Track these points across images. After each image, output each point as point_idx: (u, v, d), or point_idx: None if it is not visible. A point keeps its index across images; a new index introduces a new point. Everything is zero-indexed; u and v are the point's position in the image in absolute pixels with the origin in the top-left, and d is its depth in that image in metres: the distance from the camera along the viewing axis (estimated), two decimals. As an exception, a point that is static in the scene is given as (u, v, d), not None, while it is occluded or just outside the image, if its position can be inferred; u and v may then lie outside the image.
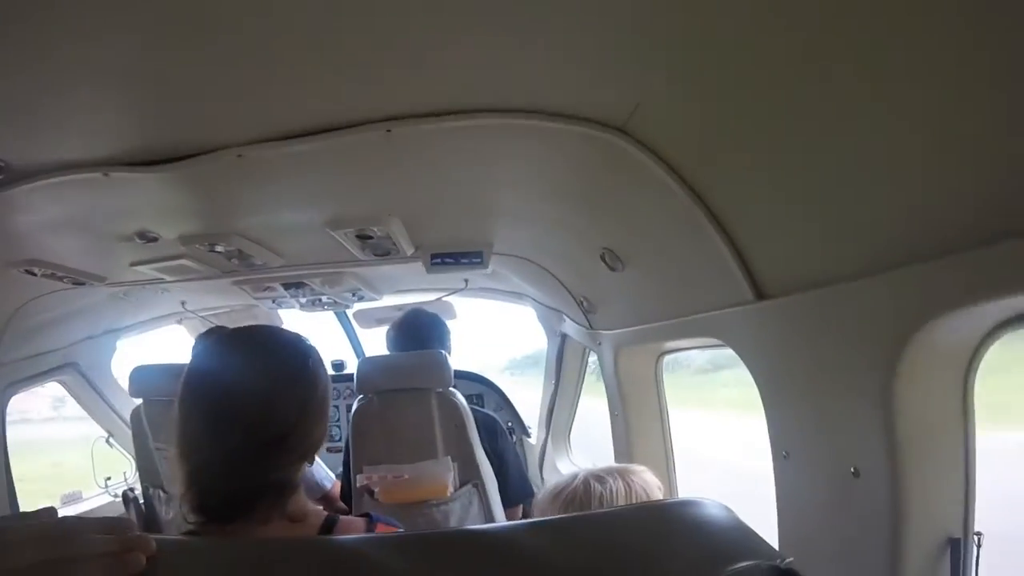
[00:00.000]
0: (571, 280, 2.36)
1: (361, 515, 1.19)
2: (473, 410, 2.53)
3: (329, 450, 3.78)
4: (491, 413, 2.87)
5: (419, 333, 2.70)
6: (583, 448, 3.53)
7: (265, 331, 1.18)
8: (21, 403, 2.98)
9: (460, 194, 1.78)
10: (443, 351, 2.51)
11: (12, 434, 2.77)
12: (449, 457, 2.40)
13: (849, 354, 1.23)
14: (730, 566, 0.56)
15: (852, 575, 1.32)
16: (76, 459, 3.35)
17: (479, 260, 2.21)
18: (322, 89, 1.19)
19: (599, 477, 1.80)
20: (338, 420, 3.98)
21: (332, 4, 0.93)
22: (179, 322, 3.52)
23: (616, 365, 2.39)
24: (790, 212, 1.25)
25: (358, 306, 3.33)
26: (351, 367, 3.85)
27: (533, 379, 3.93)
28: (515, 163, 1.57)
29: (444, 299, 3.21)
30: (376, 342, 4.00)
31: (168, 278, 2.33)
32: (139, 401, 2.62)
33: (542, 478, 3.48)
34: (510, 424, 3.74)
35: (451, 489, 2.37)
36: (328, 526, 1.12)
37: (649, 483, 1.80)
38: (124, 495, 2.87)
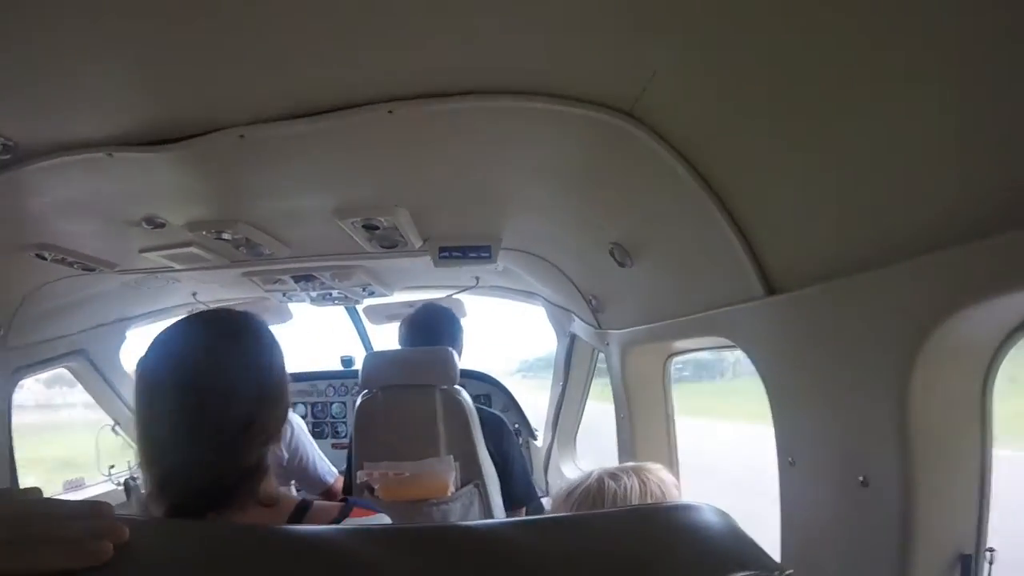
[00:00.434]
0: (580, 277, 2.34)
1: (340, 500, 1.17)
2: (479, 409, 2.51)
3: (335, 446, 3.78)
4: (497, 413, 2.85)
5: (431, 328, 2.69)
6: (591, 453, 3.51)
7: (213, 316, 1.16)
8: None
9: (466, 182, 1.76)
10: (450, 348, 2.49)
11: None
12: (451, 456, 2.37)
13: (863, 352, 1.19)
14: (726, 575, 0.53)
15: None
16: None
17: (487, 255, 2.20)
18: (323, 67, 1.18)
19: (614, 475, 1.78)
20: (345, 416, 3.99)
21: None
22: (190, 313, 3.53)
23: (623, 366, 2.36)
24: (804, 201, 1.21)
25: (368, 301, 3.33)
26: (360, 363, 3.87)
27: (544, 381, 3.92)
28: (521, 149, 1.55)
29: (455, 297, 3.20)
30: (386, 339, 4.02)
31: (178, 266, 2.34)
32: None
33: (546, 481, 3.46)
34: (516, 426, 3.72)
35: (452, 488, 2.34)
36: (301, 510, 1.10)
37: (665, 481, 1.77)
38: (126, 483, 2.88)
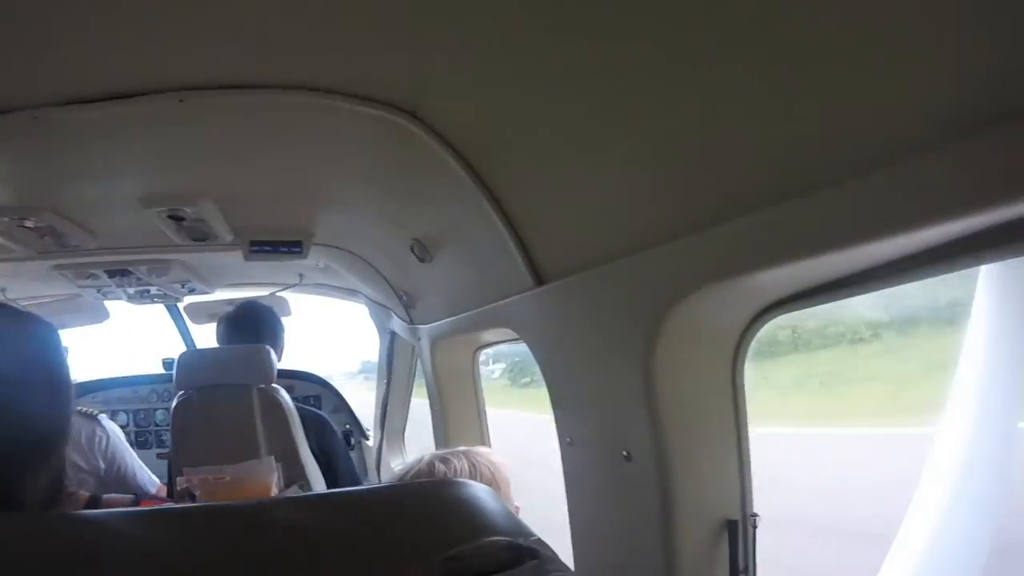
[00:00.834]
0: (392, 273, 2.41)
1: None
2: (301, 409, 2.53)
3: (159, 456, 3.63)
4: (319, 412, 2.88)
5: (250, 326, 2.68)
6: (419, 451, 3.57)
7: None
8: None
9: (272, 176, 1.79)
10: (267, 346, 2.50)
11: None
12: (272, 457, 2.37)
13: (616, 335, 1.27)
14: (481, 538, 0.56)
15: (631, 558, 1.37)
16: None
17: (299, 250, 2.23)
18: (111, 52, 1.18)
19: (443, 458, 1.86)
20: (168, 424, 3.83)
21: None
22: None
23: (434, 360, 2.45)
24: (566, 198, 1.31)
25: (189, 299, 3.25)
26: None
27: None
28: (321, 146, 1.59)
29: (279, 295, 3.20)
30: (212, 340, 3.90)
31: None
32: None
33: (379, 480, 3.47)
34: (348, 427, 3.74)
35: (275, 490, 2.34)
36: (91, 505, 1.08)
37: (496, 463, 1.87)
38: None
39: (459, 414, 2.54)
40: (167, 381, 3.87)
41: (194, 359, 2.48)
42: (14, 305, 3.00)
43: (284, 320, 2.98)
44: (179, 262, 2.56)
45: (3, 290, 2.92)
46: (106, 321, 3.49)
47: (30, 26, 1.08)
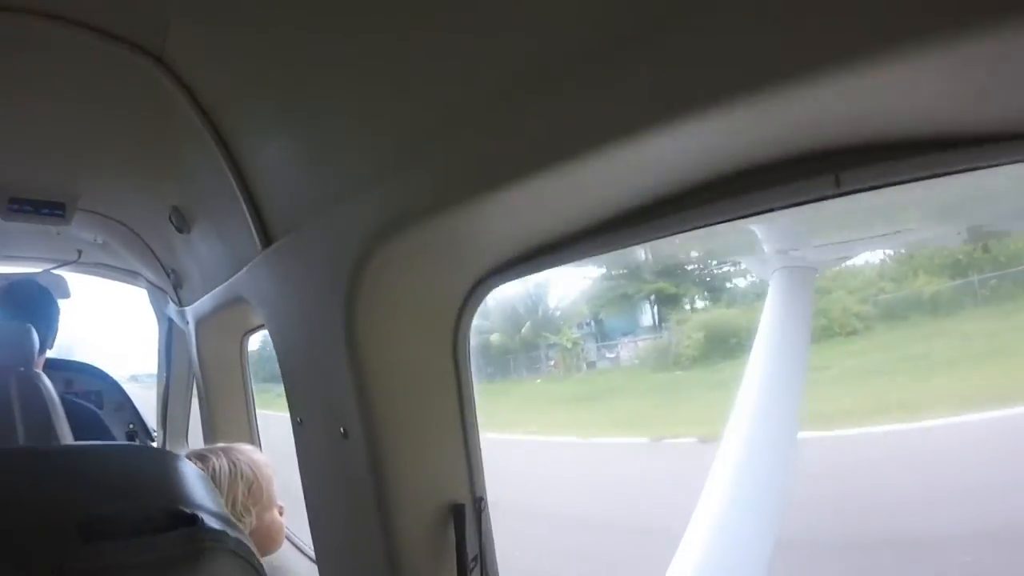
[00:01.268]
0: (160, 248, 2.31)
1: None
2: (69, 401, 2.35)
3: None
4: (93, 408, 2.69)
5: (18, 306, 2.47)
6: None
7: None
8: None
9: (25, 123, 1.69)
10: (29, 324, 2.33)
11: None
12: None
13: (323, 299, 1.24)
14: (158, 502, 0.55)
15: (357, 542, 1.34)
16: None
17: (61, 213, 2.09)
18: None
19: (201, 455, 1.78)
20: None
21: None
22: None
23: (199, 343, 2.36)
24: (291, 152, 1.30)
25: (-49, 272, 2.98)
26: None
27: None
28: (71, 92, 1.52)
29: (56, 272, 2.99)
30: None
31: None
32: None
33: None
34: (132, 426, 3.51)
35: None
36: None
37: (257, 461, 1.81)
38: None
39: (226, 407, 2.45)
40: None
41: None
42: None
43: (67, 304, 2.77)
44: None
45: None
46: None
47: None
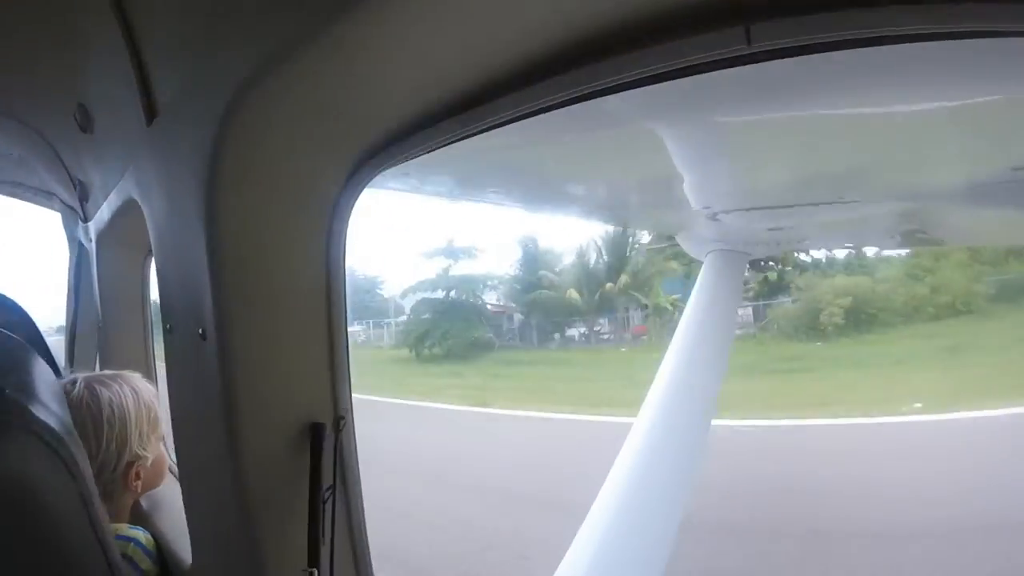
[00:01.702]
0: (68, 155, 2.17)
1: None
2: None
3: None
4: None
5: None
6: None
7: None
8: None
9: None
10: None
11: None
12: None
13: (191, 187, 1.16)
14: None
15: (211, 456, 1.27)
16: None
17: None
18: None
19: (101, 381, 1.72)
20: None
21: None
22: None
23: (100, 263, 2.27)
24: (191, 30, 1.20)
25: None
26: None
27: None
28: None
29: None
30: None
31: None
32: None
33: None
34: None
35: None
36: None
37: (151, 391, 1.76)
38: None
39: (123, 333, 2.37)
40: None
41: None
42: None
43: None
44: None
45: None
46: None
47: None
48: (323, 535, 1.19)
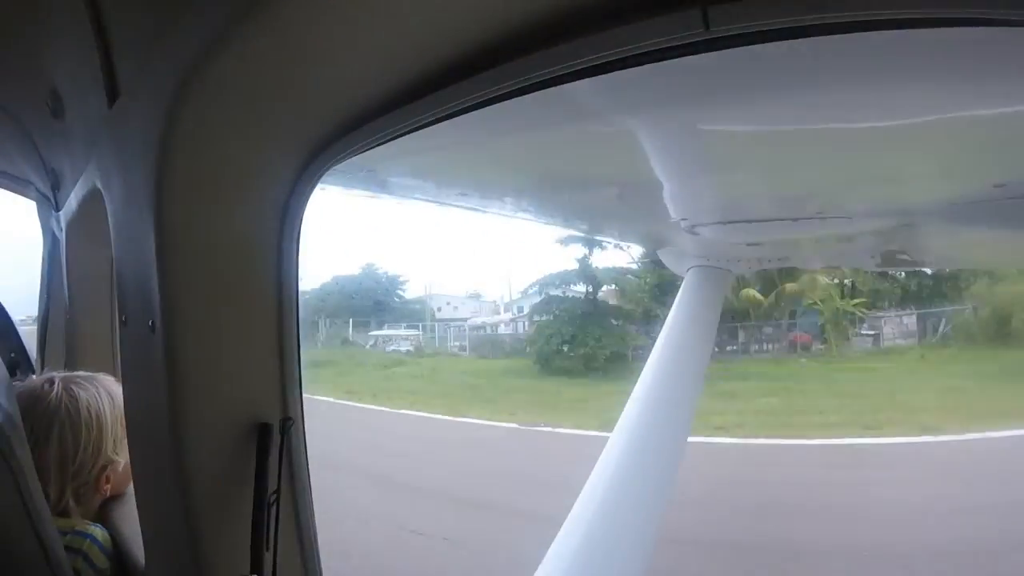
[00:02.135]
0: (42, 141, 2.12)
1: None
2: None
3: None
4: None
5: None
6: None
7: None
8: None
9: None
10: None
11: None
12: None
13: (144, 174, 1.13)
14: None
15: (160, 455, 1.23)
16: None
17: None
18: None
19: (75, 382, 1.69)
20: None
21: None
22: None
23: (68, 252, 2.22)
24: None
25: None
26: None
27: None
28: None
29: None
30: None
31: None
32: None
33: None
34: (14, 355, 3.33)
35: None
36: None
37: (119, 394, 1.72)
38: None
39: (92, 325, 2.32)
40: None
41: None
42: None
43: None
44: None
45: None
46: None
47: None
48: (267, 541, 1.15)
